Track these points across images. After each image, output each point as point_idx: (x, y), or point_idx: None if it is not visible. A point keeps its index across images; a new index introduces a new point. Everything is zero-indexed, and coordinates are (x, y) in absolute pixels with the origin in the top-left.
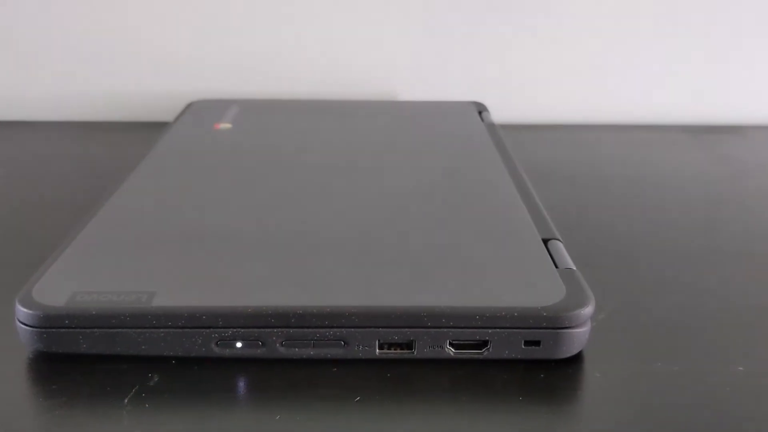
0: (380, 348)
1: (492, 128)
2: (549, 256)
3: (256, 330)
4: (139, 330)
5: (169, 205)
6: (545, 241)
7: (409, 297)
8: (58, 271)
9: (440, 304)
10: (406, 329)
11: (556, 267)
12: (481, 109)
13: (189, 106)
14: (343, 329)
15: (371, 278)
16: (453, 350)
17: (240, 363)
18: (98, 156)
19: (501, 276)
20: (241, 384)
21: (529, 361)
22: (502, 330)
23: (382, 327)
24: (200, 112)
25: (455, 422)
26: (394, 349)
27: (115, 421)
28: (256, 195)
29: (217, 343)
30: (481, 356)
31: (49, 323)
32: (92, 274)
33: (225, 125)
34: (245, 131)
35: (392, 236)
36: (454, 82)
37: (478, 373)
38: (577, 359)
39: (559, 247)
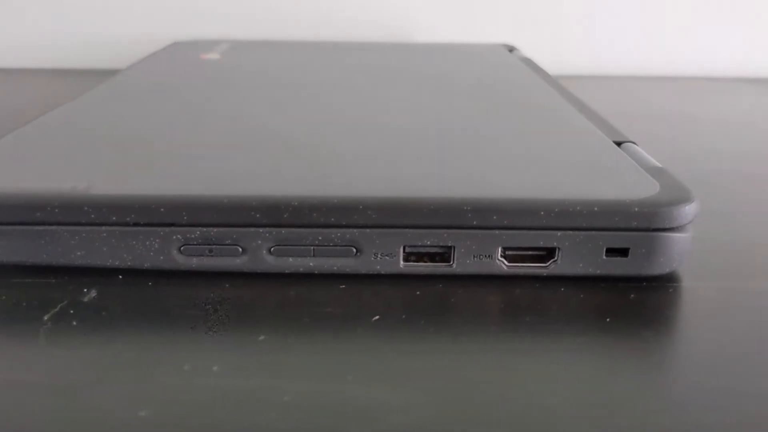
0: (406, 259)
1: (529, 62)
2: (627, 157)
3: (234, 230)
4: (73, 228)
5: (129, 112)
6: (618, 144)
7: (448, 186)
8: None
9: (490, 194)
10: (442, 230)
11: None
12: (511, 49)
13: (173, 45)
14: (355, 230)
15: (397, 165)
16: (506, 263)
17: (212, 278)
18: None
19: (572, 168)
20: (213, 302)
21: (610, 281)
22: (577, 232)
23: (409, 226)
24: (185, 47)
25: (521, 344)
26: (425, 261)
27: (26, 341)
28: (249, 107)
29: (180, 249)
30: (545, 272)
31: None
32: (14, 167)
33: (212, 56)
34: (237, 63)
35: (428, 129)
36: (477, 26)
37: (542, 293)
38: (673, 279)
39: (637, 149)
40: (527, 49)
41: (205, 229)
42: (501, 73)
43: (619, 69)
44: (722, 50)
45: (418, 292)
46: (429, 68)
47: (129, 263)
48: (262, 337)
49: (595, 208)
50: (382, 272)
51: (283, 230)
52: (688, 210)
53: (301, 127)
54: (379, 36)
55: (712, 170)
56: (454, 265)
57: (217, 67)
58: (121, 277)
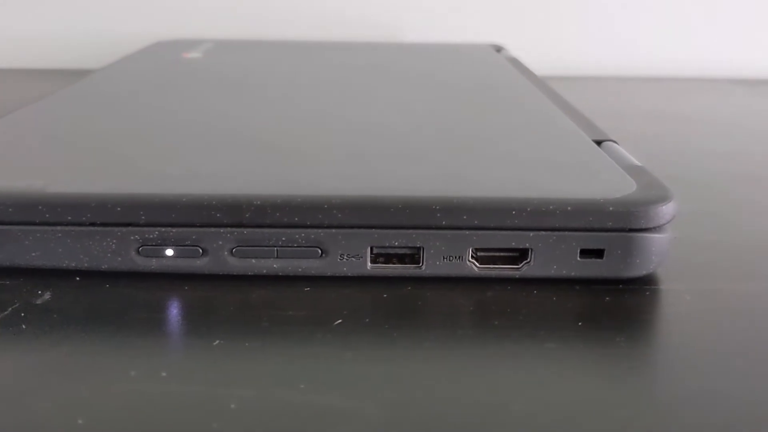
0: (374, 260)
1: (515, 62)
2: (605, 155)
3: (194, 230)
4: (28, 228)
5: (95, 111)
6: (598, 143)
7: (417, 185)
8: None
9: (460, 193)
10: (411, 230)
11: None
12: (499, 49)
13: (156, 44)
14: (320, 230)
15: (367, 164)
16: (477, 264)
17: (173, 280)
18: None
19: (547, 167)
20: (173, 308)
21: (585, 283)
22: (550, 232)
23: (376, 227)
24: (167, 46)
25: (487, 350)
26: (394, 262)
27: None
28: (221, 106)
29: (138, 250)
30: (517, 274)
31: None
32: None
33: (194, 55)
34: (217, 62)
35: (404, 128)
36: (466, 27)
37: (514, 296)
38: (650, 282)
39: (617, 148)
40: (522, 51)
41: (163, 230)
42: (485, 72)
43: (612, 70)
44: (714, 51)
45: (385, 295)
46: (413, 68)
47: (86, 264)
48: (217, 342)
49: (569, 208)
50: (349, 274)
51: (246, 231)
52: (666, 210)
53: (272, 126)
54: (368, 36)
55: (701, 170)
56: (424, 267)
57: (196, 66)
58: (78, 278)
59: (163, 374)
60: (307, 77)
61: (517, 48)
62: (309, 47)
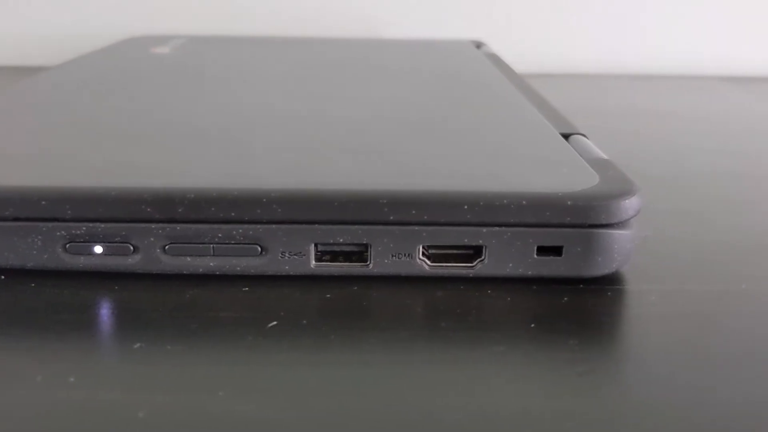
0: (318, 258)
1: (494, 58)
2: (570, 148)
3: (124, 225)
4: None
5: (39, 105)
6: (566, 137)
7: (366, 179)
8: None
9: (409, 186)
10: (357, 226)
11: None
12: (479, 45)
13: (126, 40)
14: (259, 225)
15: (314, 157)
16: (428, 262)
17: (103, 279)
18: None
19: (507, 160)
20: (98, 309)
21: (543, 282)
22: (504, 228)
23: (320, 222)
24: (137, 42)
25: (429, 354)
26: (339, 260)
27: None
28: (169, 100)
29: (65, 247)
30: (471, 272)
31: None
32: None
33: (162, 50)
34: (184, 57)
35: (363, 122)
36: (446, 23)
37: (466, 296)
38: (613, 282)
39: (585, 141)
40: (511, 48)
41: (91, 225)
42: (461, 68)
43: (598, 67)
44: (702, 48)
45: (328, 295)
46: (390, 64)
47: (11, 262)
48: (137, 345)
49: (524, 202)
50: (291, 273)
51: (179, 226)
52: (629, 204)
53: (221, 121)
54: (347, 32)
55: (683, 168)
56: (371, 265)
57: (160, 62)
58: (3, 277)
59: (71, 379)
60: (276, 72)
61: (505, 46)
62: (284, 43)
